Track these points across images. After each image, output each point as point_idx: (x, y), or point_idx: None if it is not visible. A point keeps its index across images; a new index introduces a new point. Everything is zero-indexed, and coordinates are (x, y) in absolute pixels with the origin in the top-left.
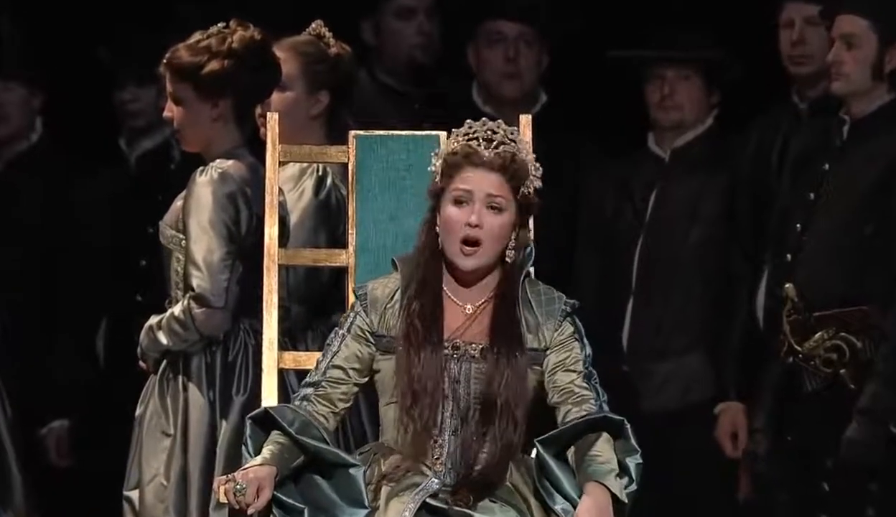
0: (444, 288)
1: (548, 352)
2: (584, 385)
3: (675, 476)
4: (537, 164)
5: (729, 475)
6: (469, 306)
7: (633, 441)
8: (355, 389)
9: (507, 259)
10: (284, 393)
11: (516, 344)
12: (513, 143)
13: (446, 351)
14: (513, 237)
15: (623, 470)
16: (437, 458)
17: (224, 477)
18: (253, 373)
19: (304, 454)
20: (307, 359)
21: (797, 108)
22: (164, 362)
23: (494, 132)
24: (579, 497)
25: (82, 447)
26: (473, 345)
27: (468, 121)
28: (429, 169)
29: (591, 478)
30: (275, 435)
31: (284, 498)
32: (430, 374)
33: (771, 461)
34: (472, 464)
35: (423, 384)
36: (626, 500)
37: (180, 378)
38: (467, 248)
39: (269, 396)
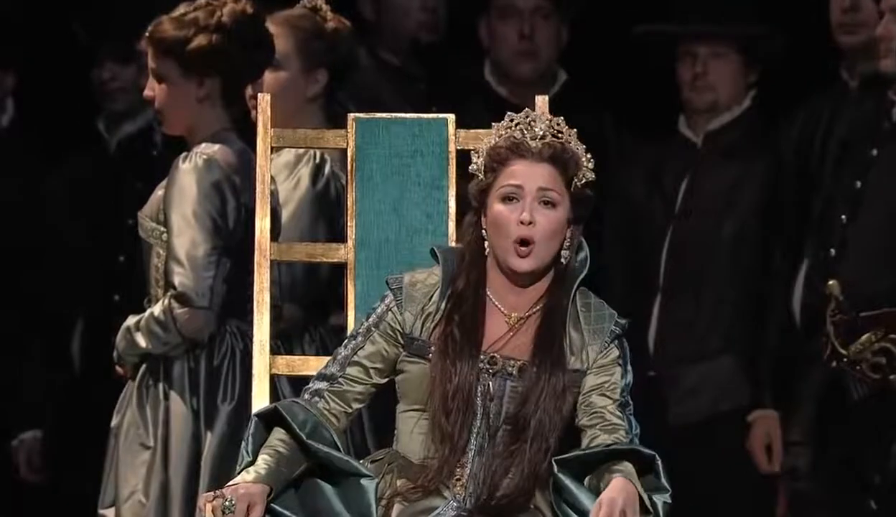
0: (489, 293)
1: (588, 372)
2: (619, 414)
3: (704, 491)
4: (588, 155)
5: (764, 491)
6: (514, 315)
7: (663, 479)
8: (373, 390)
9: (563, 260)
10: (276, 401)
11: (558, 367)
12: (561, 134)
13: (482, 364)
14: (567, 236)
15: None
16: (458, 479)
17: (210, 493)
18: (241, 380)
19: (311, 459)
20: (302, 364)
21: (847, 86)
22: (143, 367)
23: (539, 122)
24: None
25: (56, 460)
26: (512, 362)
27: (509, 113)
28: (470, 169)
29: (617, 475)
30: (276, 441)
31: (281, 509)
32: (465, 393)
33: (813, 477)
34: (495, 490)
35: (457, 402)
36: (653, 504)
37: (161, 385)
38: (522, 248)
39: (260, 405)
